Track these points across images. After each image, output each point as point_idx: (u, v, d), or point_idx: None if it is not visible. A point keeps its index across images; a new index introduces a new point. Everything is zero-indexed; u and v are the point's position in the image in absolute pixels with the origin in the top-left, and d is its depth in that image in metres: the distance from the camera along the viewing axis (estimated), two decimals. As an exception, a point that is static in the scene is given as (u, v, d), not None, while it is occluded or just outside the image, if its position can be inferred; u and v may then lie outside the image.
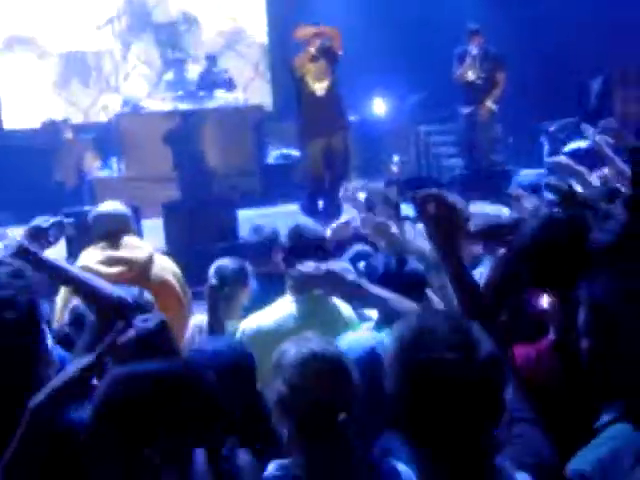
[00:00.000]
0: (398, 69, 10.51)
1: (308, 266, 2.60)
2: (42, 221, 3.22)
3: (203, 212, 6.99)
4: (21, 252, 2.54)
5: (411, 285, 2.81)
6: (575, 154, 8.81)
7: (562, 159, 4.65)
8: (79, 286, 2.66)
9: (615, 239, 2.16)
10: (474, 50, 9.56)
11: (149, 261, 3.96)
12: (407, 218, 2.55)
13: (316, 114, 8.29)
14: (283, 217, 6.19)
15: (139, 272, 3.85)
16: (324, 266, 2.58)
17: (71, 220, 3.40)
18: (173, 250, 6.56)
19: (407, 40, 11.38)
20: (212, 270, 3.58)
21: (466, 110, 9.80)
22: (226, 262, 3.65)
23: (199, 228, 6.76)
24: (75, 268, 2.94)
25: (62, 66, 12.33)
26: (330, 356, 2.00)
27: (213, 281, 3.39)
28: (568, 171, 4.31)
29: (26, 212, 9.29)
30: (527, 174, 8.15)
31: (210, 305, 3.30)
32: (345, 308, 3.28)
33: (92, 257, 3.92)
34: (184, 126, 9.54)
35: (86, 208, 6.96)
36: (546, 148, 10.89)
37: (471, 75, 9.60)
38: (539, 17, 11.75)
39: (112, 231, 3.96)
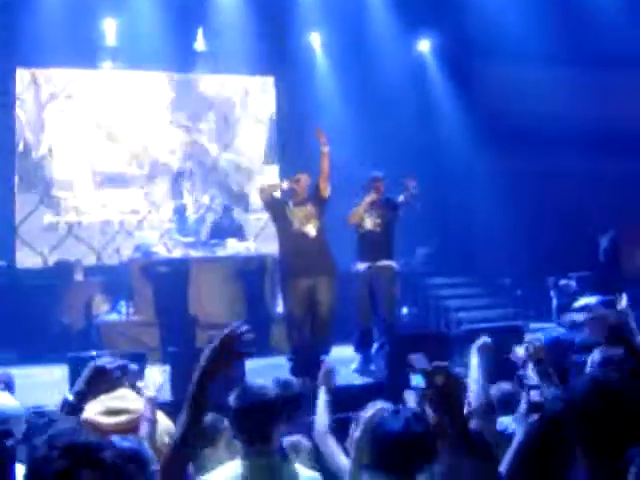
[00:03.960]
0: (407, 222, 10.67)
1: None
2: (107, 362, 3.14)
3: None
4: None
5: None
6: (584, 310, 8.83)
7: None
8: None
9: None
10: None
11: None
12: (416, 388, 2.53)
13: (299, 253, 7.71)
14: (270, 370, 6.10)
15: (135, 423, 3.88)
16: None
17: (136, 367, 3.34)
18: (178, 399, 6.46)
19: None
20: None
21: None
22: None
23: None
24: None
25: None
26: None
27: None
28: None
29: (31, 352, 9.38)
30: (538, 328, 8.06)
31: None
32: (306, 474, 3.21)
33: (93, 409, 3.93)
34: (193, 273, 9.65)
35: (92, 353, 6.94)
36: (554, 302, 10.90)
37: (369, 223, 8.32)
38: (551, 172, 12.06)
39: (108, 386, 3.98)
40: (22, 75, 12.40)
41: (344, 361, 7.73)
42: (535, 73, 12.35)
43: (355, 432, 3.15)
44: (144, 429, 3.66)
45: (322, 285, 7.74)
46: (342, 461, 3.37)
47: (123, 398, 4.10)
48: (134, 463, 2.03)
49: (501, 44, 11.97)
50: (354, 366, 7.97)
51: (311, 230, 7.80)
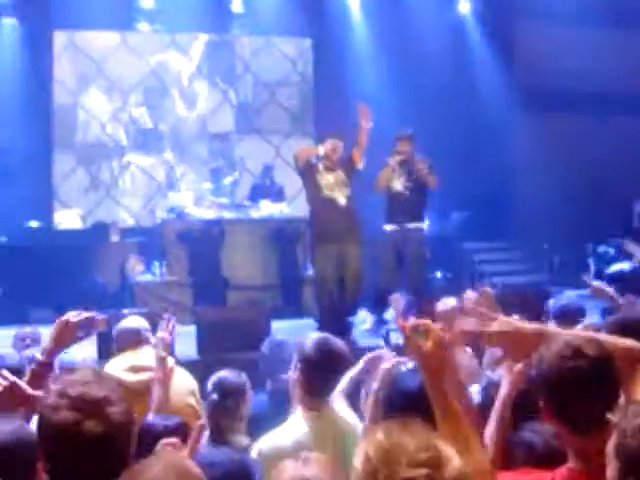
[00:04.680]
0: (443, 185, 10.55)
1: None
2: (73, 315, 3.14)
3: (235, 321, 6.95)
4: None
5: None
6: (618, 276, 8.71)
7: (596, 284, 4.59)
8: None
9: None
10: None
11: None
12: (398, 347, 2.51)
13: (329, 220, 7.72)
14: (299, 331, 6.14)
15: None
16: None
17: (105, 316, 3.36)
18: (204, 358, 6.53)
19: (452, 159, 11.52)
20: (211, 384, 3.54)
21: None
22: (225, 375, 3.60)
23: (230, 337, 6.70)
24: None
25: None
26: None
27: (214, 396, 3.34)
28: (604, 296, 4.29)
29: (66, 311, 9.46)
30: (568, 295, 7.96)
31: (212, 418, 3.24)
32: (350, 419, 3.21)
33: (118, 365, 4.36)
34: (225, 234, 9.68)
35: (125, 311, 7.03)
36: (592, 269, 10.76)
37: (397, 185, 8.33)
38: (588, 134, 11.84)
39: (134, 343, 4.47)
40: (59, 37, 12.46)
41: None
42: (575, 33, 12.08)
43: (373, 384, 3.14)
44: (155, 391, 3.65)
45: (351, 253, 7.76)
46: (351, 419, 3.36)
47: (148, 356, 4.14)
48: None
49: (542, 4, 11.72)
50: (366, 326, 7.92)
51: (340, 197, 7.79)
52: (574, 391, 2.10)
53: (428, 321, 2.15)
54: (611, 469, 1.83)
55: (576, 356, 2.13)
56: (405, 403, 2.58)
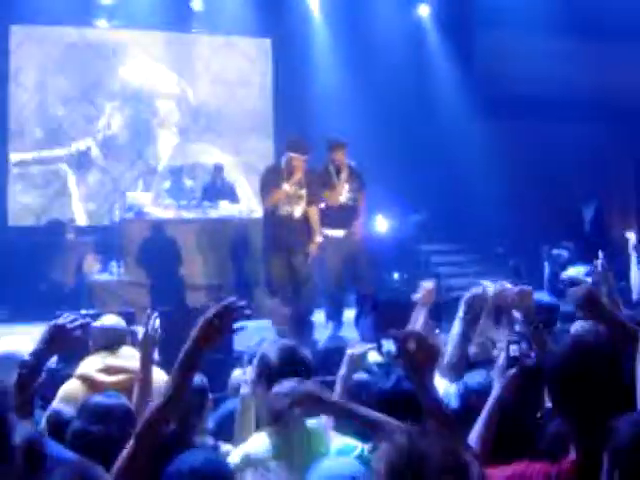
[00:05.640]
0: (400, 188, 10.66)
1: (284, 386, 2.56)
2: (67, 320, 3.03)
3: (195, 321, 6.91)
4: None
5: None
6: (575, 280, 8.83)
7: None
8: None
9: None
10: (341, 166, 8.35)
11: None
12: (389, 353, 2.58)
13: (281, 232, 8.06)
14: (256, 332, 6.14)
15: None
16: (301, 387, 2.54)
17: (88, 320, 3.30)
18: (166, 359, 6.47)
19: (409, 162, 11.63)
20: None
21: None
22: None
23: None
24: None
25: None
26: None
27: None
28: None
29: (23, 310, 9.39)
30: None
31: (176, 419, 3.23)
32: (321, 433, 3.20)
33: (92, 365, 4.26)
34: (183, 234, 9.65)
35: (82, 312, 6.95)
36: (547, 271, 10.90)
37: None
38: (544, 141, 12.03)
39: (111, 343, 4.35)
40: (16, 32, 12.26)
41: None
42: (532, 42, 12.26)
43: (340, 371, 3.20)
44: (135, 392, 3.64)
45: (299, 260, 8.09)
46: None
47: (125, 357, 4.19)
48: None
49: (500, 12, 11.86)
50: (329, 333, 7.99)
51: (295, 210, 8.04)
52: (581, 386, 2.15)
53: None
54: (605, 471, 1.88)
55: (585, 352, 2.20)
56: (380, 402, 2.63)
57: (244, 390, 3.42)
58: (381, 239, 11.54)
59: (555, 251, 11.11)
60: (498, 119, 11.97)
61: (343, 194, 8.31)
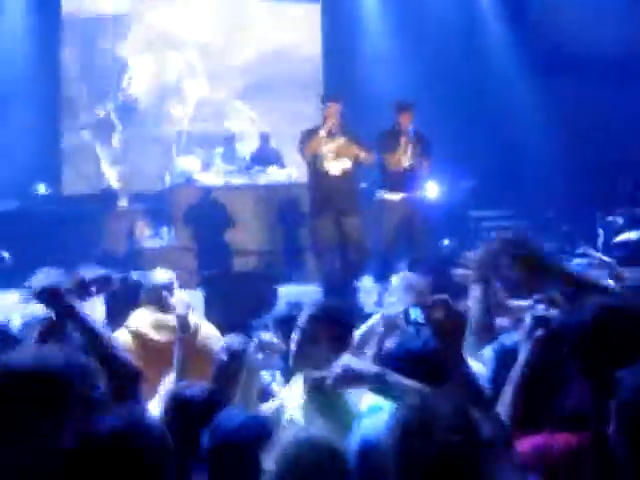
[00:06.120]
0: (450, 154, 10.49)
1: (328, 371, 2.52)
2: (88, 272, 3.16)
3: (244, 285, 6.98)
4: (51, 295, 2.57)
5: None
6: (624, 245, 8.66)
7: (591, 251, 4.58)
8: (98, 347, 2.64)
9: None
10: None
11: (195, 330, 4.32)
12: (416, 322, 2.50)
13: (327, 192, 7.93)
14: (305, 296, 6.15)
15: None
16: (339, 366, 2.47)
17: (119, 276, 3.38)
18: (210, 322, 6.53)
19: (459, 127, 11.46)
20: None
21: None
22: (233, 339, 3.63)
23: (239, 302, 6.71)
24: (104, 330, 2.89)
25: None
26: (322, 444, 1.97)
27: (223, 357, 3.37)
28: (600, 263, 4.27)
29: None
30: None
31: (217, 380, 3.27)
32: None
33: (142, 319, 4.41)
34: (232, 200, 9.69)
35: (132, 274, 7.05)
36: (601, 238, 10.71)
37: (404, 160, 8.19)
38: (599, 105, 11.73)
39: (160, 298, 4.40)
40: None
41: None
42: (589, 2, 11.89)
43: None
44: (176, 349, 3.71)
45: (349, 222, 7.99)
46: None
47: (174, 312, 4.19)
48: None
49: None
50: (375, 299, 7.94)
51: (338, 167, 7.93)
52: (606, 353, 2.11)
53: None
54: (613, 425, 1.85)
55: (610, 316, 2.16)
56: (409, 360, 2.61)
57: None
58: (432, 205, 11.45)
59: (610, 218, 10.90)
60: (553, 77, 11.67)
61: (405, 158, 8.17)
